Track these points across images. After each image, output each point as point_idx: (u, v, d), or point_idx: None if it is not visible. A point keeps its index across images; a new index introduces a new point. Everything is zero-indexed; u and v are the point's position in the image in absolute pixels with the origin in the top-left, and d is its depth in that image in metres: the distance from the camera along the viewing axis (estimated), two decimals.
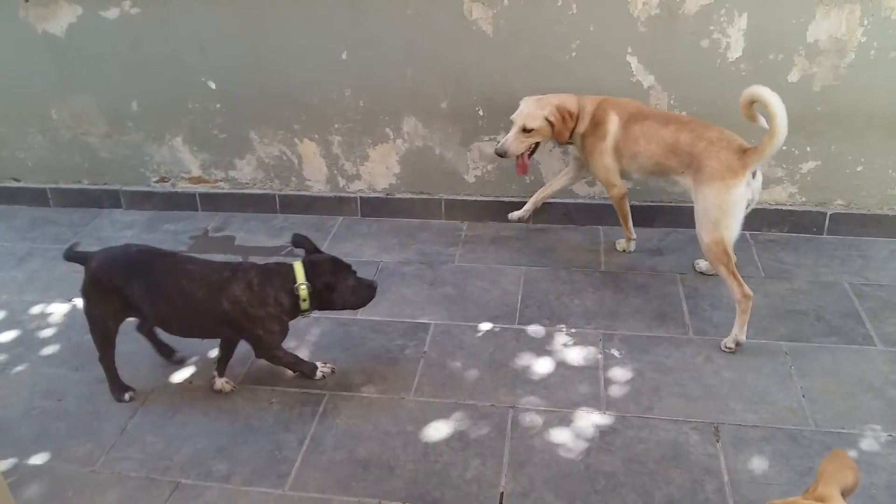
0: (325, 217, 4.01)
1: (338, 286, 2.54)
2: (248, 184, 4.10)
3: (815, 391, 2.57)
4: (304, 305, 2.52)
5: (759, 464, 2.29)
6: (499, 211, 3.82)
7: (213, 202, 4.14)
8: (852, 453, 2.30)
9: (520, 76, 3.47)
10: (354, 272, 2.63)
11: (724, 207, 2.71)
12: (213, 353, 2.92)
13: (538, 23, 3.35)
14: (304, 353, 2.90)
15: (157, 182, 4.20)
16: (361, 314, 3.12)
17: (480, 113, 3.63)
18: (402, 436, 2.48)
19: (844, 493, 1.40)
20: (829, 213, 3.51)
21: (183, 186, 4.18)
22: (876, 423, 2.42)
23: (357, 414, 2.59)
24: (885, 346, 2.77)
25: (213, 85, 3.82)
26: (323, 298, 2.55)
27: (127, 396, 2.71)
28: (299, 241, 2.65)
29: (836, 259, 3.35)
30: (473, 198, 3.86)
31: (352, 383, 2.74)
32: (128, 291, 2.49)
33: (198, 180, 4.15)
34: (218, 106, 3.88)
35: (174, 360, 2.91)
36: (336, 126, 3.82)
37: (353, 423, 2.55)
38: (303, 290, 2.49)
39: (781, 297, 3.10)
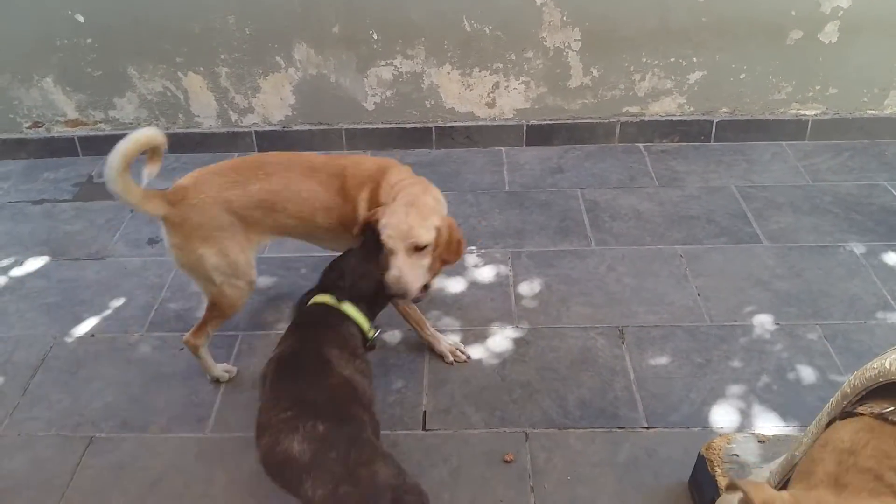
0: (219, 154, 3.83)
1: None
2: (130, 124, 3.84)
3: (708, 289, 2.75)
4: None
5: (661, 360, 2.45)
6: (401, 138, 3.77)
7: (95, 145, 3.86)
8: (744, 342, 2.49)
9: None
10: None
11: None
12: (117, 303, 2.80)
13: None
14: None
15: (29, 128, 3.87)
16: (268, 252, 3.05)
17: (375, 37, 3.51)
18: None
19: None
20: (715, 121, 3.68)
21: (59, 131, 3.87)
22: (765, 313, 2.62)
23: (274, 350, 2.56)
24: (771, 243, 2.98)
25: (81, 18, 3.50)
26: None
27: None
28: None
29: (723, 164, 3.54)
30: (374, 126, 3.78)
31: (265, 321, 2.70)
32: None
33: (75, 123, 3.85)
34: (89, 41, 3.57)
35: None
36: (222, 57, 3.61)
37: None
38: None
39: (675, 203, 3.25)
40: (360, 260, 2.08)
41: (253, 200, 2.20)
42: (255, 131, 3.81)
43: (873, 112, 3.63)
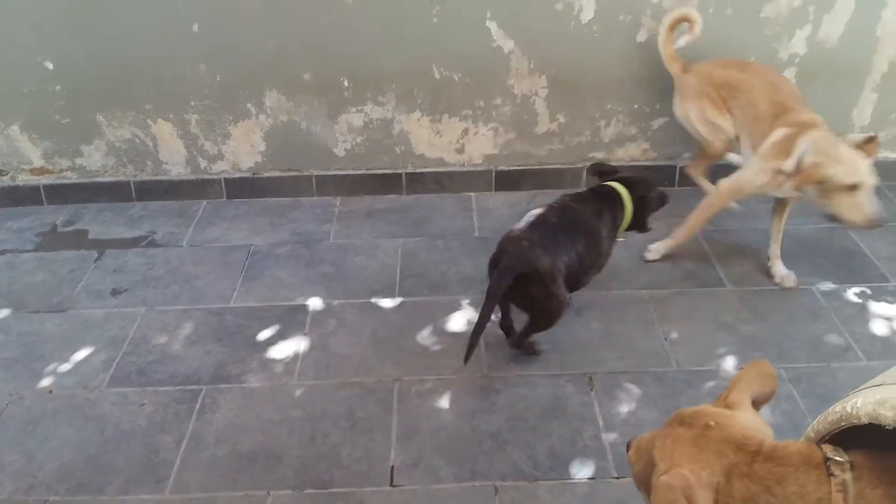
0: (188, 202, 3.80)
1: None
2: (97, 171, 3.81)
3: (675, 334, 2.77)
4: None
5: (629, 407, 2.45)
6: (371, 184, 3.78)
7: (60, 194, 3.82)
8: (710, 386, 2.50)
9: (383, 44, 3.42)
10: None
11: None
12: (77, 357, 2.73)
13: None
14: (174, 348, 2.77)
15: None
16: (235, 302, 3.02)
17: (346, 83, 3.54)
18: (288, 422, 2.44)
19: (759, 401, 1.44)
20: (678, 167, 3.74)
21: (24, 179, 3.83)
22: (731, 356, 2.64)
23: (238, 405, 2.51)
24: (734, 287, 3.01)
25: (50, 65, 3.49)
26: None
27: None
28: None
29: (687, 209, 3.53)
30: (345, 172, 3.79)
31: (230, 374, 2.65)
32: None
33: (41, 171, 3.81)
34: (58, 88, 3.56)
35: None
36: (192, 104, 3.61)
37: (234, 416, 2.47)
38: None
39: (641, 248, 3.28)
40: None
41: (722, 80, 3.04)
42: (225, 178, 3.80)
43: None
